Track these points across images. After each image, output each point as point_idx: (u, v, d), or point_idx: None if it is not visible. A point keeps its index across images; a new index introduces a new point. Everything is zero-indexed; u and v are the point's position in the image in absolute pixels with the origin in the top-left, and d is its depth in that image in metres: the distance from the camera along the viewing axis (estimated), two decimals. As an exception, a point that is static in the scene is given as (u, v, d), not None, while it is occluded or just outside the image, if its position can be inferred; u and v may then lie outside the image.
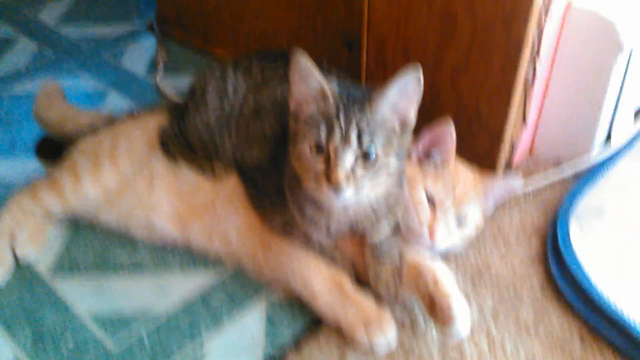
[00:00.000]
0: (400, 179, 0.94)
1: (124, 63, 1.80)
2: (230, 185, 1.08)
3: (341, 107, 0.81)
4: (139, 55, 1.84)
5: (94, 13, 2.14)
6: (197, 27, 1.82)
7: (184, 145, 1.12)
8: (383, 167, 0.82)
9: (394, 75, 0.79)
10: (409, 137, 0.87)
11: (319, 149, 0.81)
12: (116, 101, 1.59)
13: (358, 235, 0.98)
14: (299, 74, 0.82)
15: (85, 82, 1.68)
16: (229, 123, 1.07)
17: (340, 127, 0.79)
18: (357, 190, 0.82)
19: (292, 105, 0.85)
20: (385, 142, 0.81)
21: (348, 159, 0.80)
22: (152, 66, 1.76)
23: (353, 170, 0.80)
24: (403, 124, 0.84)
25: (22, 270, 1.09)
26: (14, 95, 1.64)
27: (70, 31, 2.01)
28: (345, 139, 0.79)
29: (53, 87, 1.52)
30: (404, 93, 0.81)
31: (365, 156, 0.81)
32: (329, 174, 0.80)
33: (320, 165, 0.82)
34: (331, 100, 0.81)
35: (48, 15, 2.12)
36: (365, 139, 0.80)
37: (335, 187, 0.80)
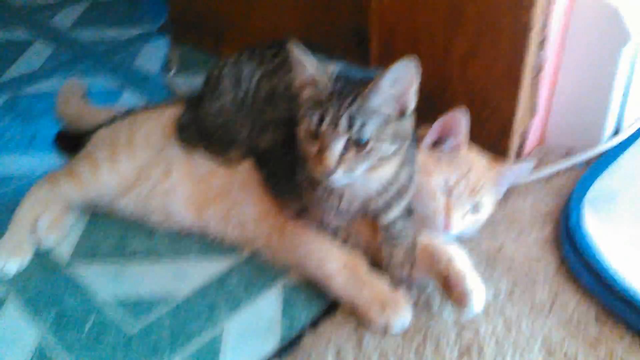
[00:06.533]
0: (409, 164, 0.95)
1: (138, 64, 1.83)
2: (245, 171, 1.10)
3: (335, 93, 0.83)
4: (152, 56, 1.87)
5: (107, 17, 2.17)
6: (208, 27, 1.85)
7: (200, 132, 1.14)
8: (375, 152, 0.84)
9: (389, 66, 0.80)
10: (408, 121, 0.87)
11: (313, 133, 0.84)
12: (131, 100, 1.62)
13: (370, 217, 0.99)
14: (294, 62, 0.85)
15: (100, 82, 1.71)
16: (244, 108, 1.09)
17: (331, 114, 0.82)
18: (348, 173, 0.83)
19: (295, 89, 0.88)
20: (378, 127, 0.83)
21: (337, 144, 0.82)
22: (165, 66, 1.79)
23: (343, 154, 0.83)
24: (401, 109, 0.85)
25: (43, 256, 1.12)
26: (32, 93, 1.67)
27: (85, 34, 2.05)
28: (335, 125, 0.81)
29: (74, 85, 1.56)
30: (398, 81, 0.82)
31: (356, 141, 0.82)
32: (321, 158, 0.83)
33: (314, 149, 0.84)
34: (322, 87, 0.84)
35: (62, 20, 2.16)
36: (356, 125, 0.81)
37: (326, 171, 0.82)
